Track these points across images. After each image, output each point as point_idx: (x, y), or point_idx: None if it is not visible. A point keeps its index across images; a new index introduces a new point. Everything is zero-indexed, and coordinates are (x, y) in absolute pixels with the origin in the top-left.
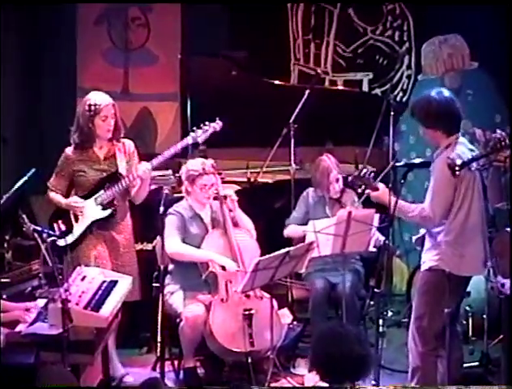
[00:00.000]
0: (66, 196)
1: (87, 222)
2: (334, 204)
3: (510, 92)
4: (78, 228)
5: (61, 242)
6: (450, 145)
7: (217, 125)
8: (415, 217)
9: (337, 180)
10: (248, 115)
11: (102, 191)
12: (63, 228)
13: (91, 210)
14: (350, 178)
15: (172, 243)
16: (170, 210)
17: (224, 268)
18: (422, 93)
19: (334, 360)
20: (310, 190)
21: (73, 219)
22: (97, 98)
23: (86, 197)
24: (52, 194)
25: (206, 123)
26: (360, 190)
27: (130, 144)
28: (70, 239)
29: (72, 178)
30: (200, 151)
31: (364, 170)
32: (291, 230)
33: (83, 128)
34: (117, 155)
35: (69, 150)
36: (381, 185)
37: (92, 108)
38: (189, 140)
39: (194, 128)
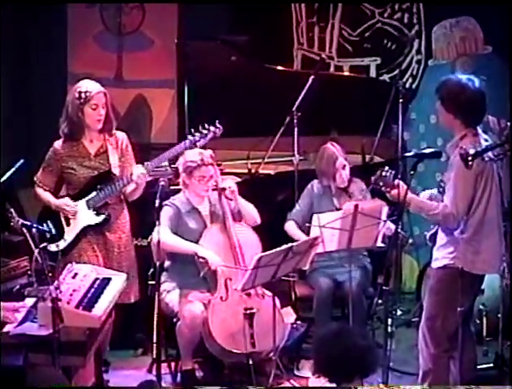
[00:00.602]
0: (55, 193)
1: (79, 227)
2: (342, 194)
3: (511, 91)
4: (70, 234)
5: (52, 247)
6: (465, 136)
7: (218, 130)
8: (437, 215)
9: (343, 167)
10: (249, 103)
11: (94, 193)
12: (53, 230)
13: (83, 214)
14: (372, 179)
15: (161, 232)
16: (166, 202)
17: (206, 261)
18: (436, 78)
19: (338, 359)
20: (315, 181)
21: (63, 221)
22: (88, 85)
23: (77, 196)
24: (39, 191)
25: (206, 127)
26: (382, 189)
27: (123, 138)
28: (61, 245)
29: (61, 174)
30: None
31: (385, 171)
32: (290, 229)
33: (72, 117)
34: (109, 151)
35: (57, 144)
36: (400, 184)
37: (82, 95)
38: (186, 144)
39: (192, 130)
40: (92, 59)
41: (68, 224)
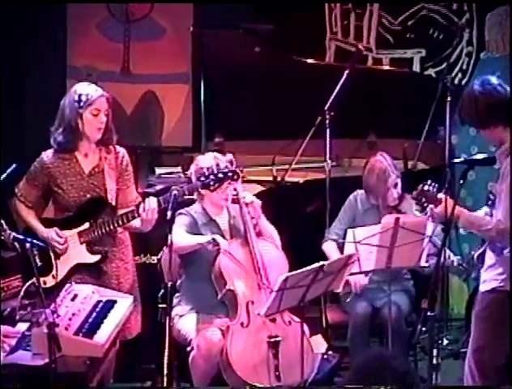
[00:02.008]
0: (39, 209)
1: (69, 264)
2: (391, 213)
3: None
4: (60, 270)
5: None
6: None
7: (236, 176)
8: (490, 231)
9: (395, 185)
10: (274, 100)
11: (87, 225)
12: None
13: (75, 249)
14: (413, 194)
15: (175, 235)
16: (180, 210)
17: (216, 244)
18: (490, 74)
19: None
20: (359, 193)
21: (52, 253)
22: (89, 88)
23: (66, 223)
24: (20, 207)
25: (223, 169)
26: (425, 206)
27: (123, 154)
28: (49, 282)
29: (47, 190)
30: (216, 143)
31: (428, 184)
32: (329, 251)
33: (70, 123)
34: (105, 171)
35: (46, 155)
36: (446, 199)
37: (83, 98)
38: (198, 184)
39: (205, 170)
40: (95, 50)
41: (57, 258)
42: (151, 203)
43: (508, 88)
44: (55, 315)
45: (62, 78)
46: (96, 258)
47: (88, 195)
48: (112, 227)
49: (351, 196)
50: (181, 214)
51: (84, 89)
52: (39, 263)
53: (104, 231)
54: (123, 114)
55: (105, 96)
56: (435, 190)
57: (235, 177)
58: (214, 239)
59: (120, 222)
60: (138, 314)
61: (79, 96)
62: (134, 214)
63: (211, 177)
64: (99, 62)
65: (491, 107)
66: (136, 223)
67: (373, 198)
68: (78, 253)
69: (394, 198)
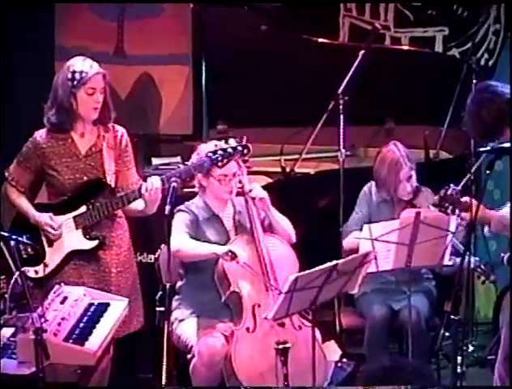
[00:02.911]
0: (31, 195)
1: (64, 251)
2: (405, 208)
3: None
4: (53, 258)
5: (30, 273)
6: None
7: (246, 150)
8: None
9: (409, 178)
10: (282, 84)
11: (84, 208)
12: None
13: (70, 236)
14: (436, 199)
15: (177, 239)
16: (180, 207)
17: (233, 257)
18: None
19: None
20: (373, 184)
21: (44, 240)
22: (84, 64)
23: (61, 207)
24: (11, 191)
25: (233, 143)
26: (449, 212)
27: (122, 134)
28: (41, 271)
29: (41, 173)
30: (219, 131)
31: (451, 188)
32: (351, 240)
33: (63, 103)
34: (103, 151)
35: (39, 135)
36: (471, 202)
37: (77, 76)
38: (206, 162)
39: (214, 145)
40: (86, 29)
41: (50, 245)
42: (155, 182)
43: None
44: (43, 320)
45: (50, 59)
46: (93, 243)
47: (85, 177)
48: (111, 209)
49: (365, 187)
50: (180, 211)
51: (78, 66)
52: (30, 252)
53: (102, 214)
54: (117, 99)
55: (101, 73)
56: (458, 193)
57: (245, 151)
58: (231, 251)
59: (120, 204)
60: (139, 308)
61: (73, 73)
62: (136, 194)
63: (220, 152)
64: (90, 42)
65: (496, 116)
66: (138, 205)
67: (385, 192)
68: (73, 238)
69: (408, 192)
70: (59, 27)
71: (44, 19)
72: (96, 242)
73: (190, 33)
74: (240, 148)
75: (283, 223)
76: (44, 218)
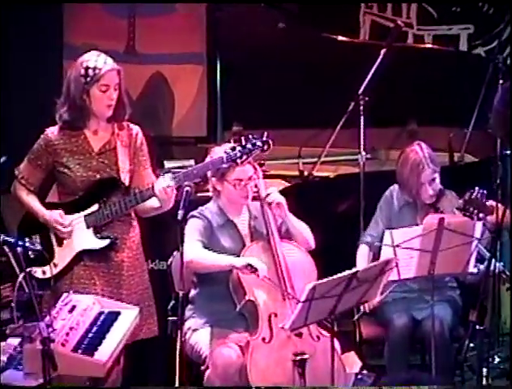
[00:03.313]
0: (42, 194)
1: (74, 251)
2: (429, 212)
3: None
4: (62, 258)
5: (38, 273)
6: None
7: (266, 146)
8: None
9: (432, 180)
10: (300, 84)
11: (96, 206)
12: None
13: (80, 234)
14: (460, 203)
15: (190, 248)
16: (193, 212)
17: (253, 270)
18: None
19: None
20: (396, 188)
21: (53, 239)
22: (98, 60)
23: (72, 206)
24: (21, 190)
25: (251, 138)
26: (474, 216)
27: (137, 132)
28: (49, 271)
29: (51, 172)
30: (234, 133)
31: (476, 192)
32: (359, 254)
33: (75, 100)
34: (118, 149)
35: (51, 131)
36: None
37: (90, 72)
38: (224, 160)
39: (232, 143)
40: (96, 27)
41: (60, 244)
42: (167, 180)
43: None
44: (50, 329)
45: (58, 58)
46: (104, 243)
47: (98, 176)
48: (124, 208)
49: (387, 192)
50: (193, 217)
51: (92, 61)
52: (43, 252)
53: (115, 213)
54: (128, 99)
55: (115, 69)
56: (484, 197)
57: (265, 147)
58: (250, 264)
59: (134, 202)
60: (151, 316)
61: (86, 69)
62: (150, 192)
63: (238, 148)
64: (100, 40)
65: None
66: (154, 203)
67: (407, 194)
68: (83, 238)
69: (430, 195)
70: (67, 25)
71: (47, 17)
72: (107, 241)
73: (204, 31)
74: (259, 144)
75: (302, 229)
76: (53, 215)
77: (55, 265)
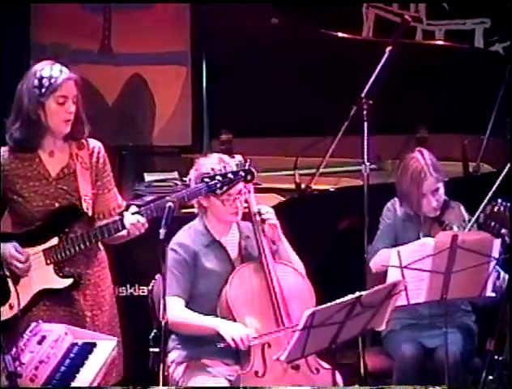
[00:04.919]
0: None
1: (32, 290)
2: (433, 226)
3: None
4: (20, 298)
5: None
6: None
7: (249, 176)
8: None
9: (435, 191)
10: (296, 87)
11: (56, 240)
12: None
13: (39, 272)
14: (481, 218)
15: (173, 307)
16: (171, 243)
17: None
18: None
19: None
20: (397, 200)
21: (8, 276)
22: (53, 68)
23: (28, 239)
24: None
25: (233, 167)
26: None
27: (99, 150)
28: (6, 313)
29: (2, 200)
30: (222, 142)
31: (499, 204)
32: (383, 257)
33: (29, 115)
34: (77, 172)
35: (1, 154)
36: None
37: (45, 82)
38: (201, 190)
39: (212, 171)
40: (67, 23)
41: (16, 282)
42: (139, 218)
43: None
44: (17, 363)
45: (26, 58)
46: (67, 282)
47: (57, 204)
48: (88, 243)
49: (388, 204)
50: (170, 251)
51: (46, 71)
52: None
53: (77, 248)
54: (103, 105)
55: (73, 79)
56: (507, 210)
57: (248, 177)
58: (233, 339)
59: (99, 236)
60: (118, 356)
61: (40, 79)
62: (118, 226)
63: (218, 178)
64: (72, 39)
65: None
66: (122, 231)
67: (408, 207)
68: (43, 275)
69: (433, 207)
70: (35, 22)
71: (12, 13)
72: (70, 281)
73: (188, 28)
74: (242, 174)
75: (294, 258)
76: (8, 249)
77: (11, 307)
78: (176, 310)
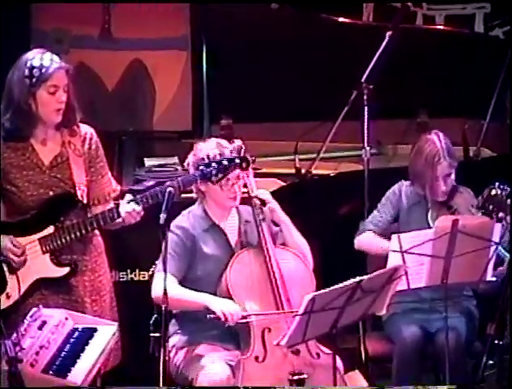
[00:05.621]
0: None
1: (29, 280)
2: (441, 209)
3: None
4: (16, 288)
5: None
6: None
7: (244, 163)
8: None
9: (447, 176)
10: (296, 71)
11: (52, 229)
12: None
13: (36, 261)
14: (478, 201)
15: (159, 282)
16: (171, 227)
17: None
18: None
19: None
20: (405, 184)
21: (5, 266)
22: (43, 57)
23: (22, 228)
24: None
25: (231, 154)
26: (494, 216)
27: (91, 136)
28: (3, 302)
29: None
30: (222, 127)
31: (496, 188)
32: (366, 241)
33: (20, 105)
34: (71, 160)
35: None
36: None
37: (35, 72)
38: (196, 176)
39: (209, 156)
40: (67, 9)
41: (12, 272)
42: (134, 206)
43: None
44: (18, 348)
45: (26, 44)
46: (64, 270)
47: (51, 192)
48: (84, 230)
49: (395, 186)
50: (171, 232)
51: (37, 60)
52: None
53: (73, 236)
54: (103, 90)
55: (64, 68)
56: (505, 194)
57: (244, 165)
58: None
59: (95, 224)
60: (118, 340)
61: (31, 69)
62: (114, 214)
63: (213, 165)
64: (72, 25)
65: None
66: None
67: (420, 188)
68: (40, 265)
69: (442, 191)
70: (36, 8)
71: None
72: (66, 269)
73: (188, 13)
74: (237, 161)
75: (300, 242)
76: (4, 241)
77: (8, 296)
78: (168, 286)
